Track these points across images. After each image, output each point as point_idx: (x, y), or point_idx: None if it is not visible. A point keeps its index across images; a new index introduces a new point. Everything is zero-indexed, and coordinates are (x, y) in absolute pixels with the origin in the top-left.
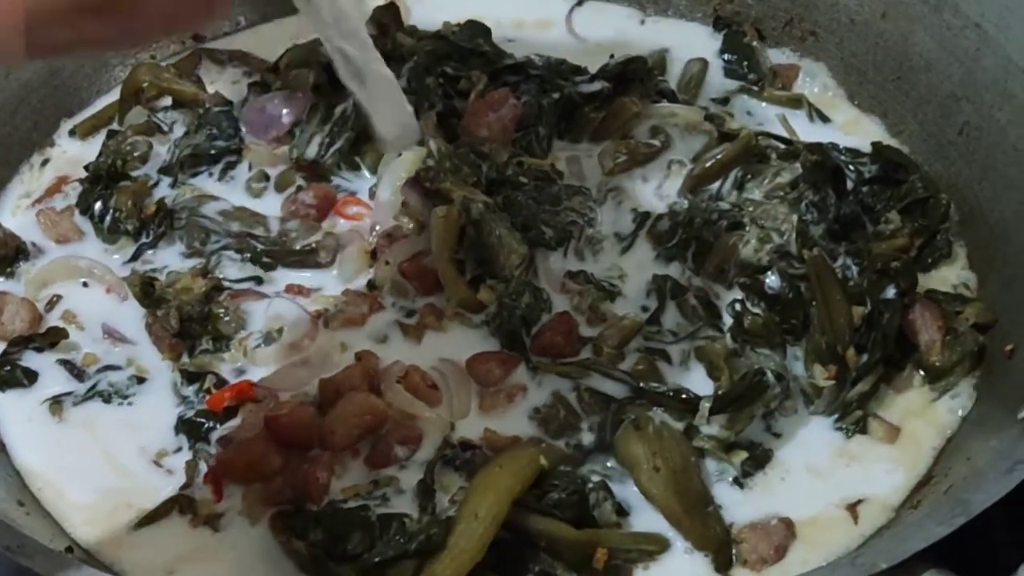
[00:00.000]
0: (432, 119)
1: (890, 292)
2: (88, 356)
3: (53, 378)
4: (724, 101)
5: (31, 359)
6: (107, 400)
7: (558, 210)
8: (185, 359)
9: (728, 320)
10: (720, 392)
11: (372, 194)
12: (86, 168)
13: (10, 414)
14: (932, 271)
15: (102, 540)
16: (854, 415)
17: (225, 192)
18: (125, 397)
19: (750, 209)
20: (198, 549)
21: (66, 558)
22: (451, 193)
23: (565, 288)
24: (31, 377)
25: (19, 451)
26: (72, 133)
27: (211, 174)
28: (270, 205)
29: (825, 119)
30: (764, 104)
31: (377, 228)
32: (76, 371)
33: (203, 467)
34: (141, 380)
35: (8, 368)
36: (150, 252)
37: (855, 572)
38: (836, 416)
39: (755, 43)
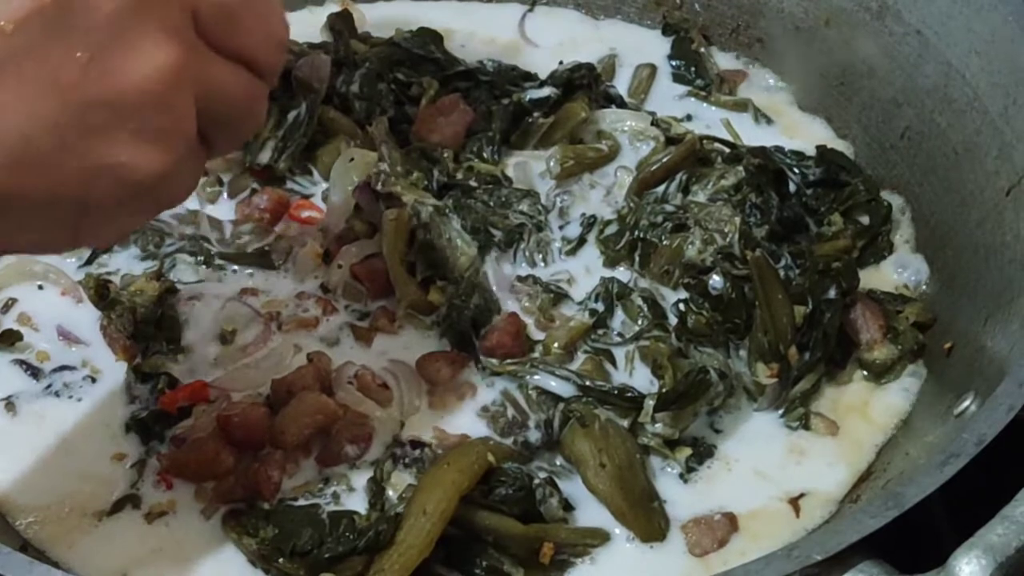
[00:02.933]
0: (384, 124)
1: (832, 292)
2: (41, 353)
3: (7, 377)
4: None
5: None
6: (60, 398)
7: (507, 213)
8: (139, 360)
9: (673, 320)
10: (664, 390)
11: (325, 198)
12: None
13: None
14: (874, 272)
15: (53, 539)
16: (797, 412)
17: None
18: (79, 398)
19: (695, 211)
20: (150, 548)
21: (17, 556)
22: (402, 196)
23: (514, 290)
24: None
25: None
26: None
27: None
28: (224, 210)
29: (771, 123)
30: (712, 108)
31: (329, 231)
32: (32, 370)
33: (155, 466)
34: (95, 380)
35: None
36: (105, 256)
37: (790, 564)
38: (779, 413)
39: (702, 49)
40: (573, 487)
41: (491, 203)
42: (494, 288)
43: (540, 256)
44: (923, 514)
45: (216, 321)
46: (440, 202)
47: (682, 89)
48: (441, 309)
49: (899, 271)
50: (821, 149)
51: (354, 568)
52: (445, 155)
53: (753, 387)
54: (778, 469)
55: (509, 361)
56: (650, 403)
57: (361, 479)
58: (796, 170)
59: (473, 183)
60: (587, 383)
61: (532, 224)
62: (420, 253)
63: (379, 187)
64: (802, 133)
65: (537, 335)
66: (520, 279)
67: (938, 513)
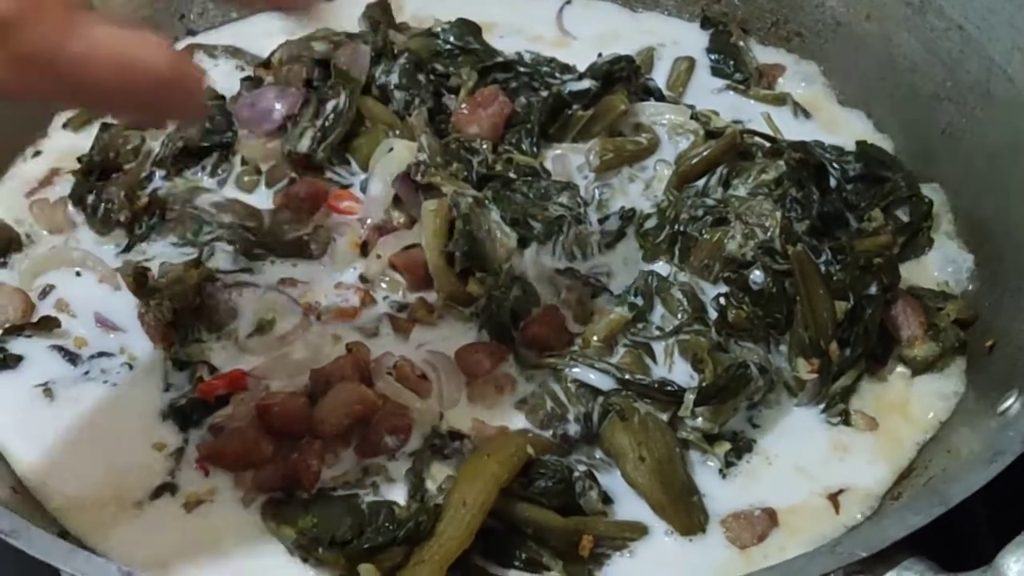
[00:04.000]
0: (423, 115)
1: (872, 288)
2: (79, 339)
3: (46, 363)
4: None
5: (24, 346)
6: (98, 384)
7: (547, 205)
8: (177, 348)
9: (713, 314)
10: (704, 384)
11: (364, 188)
12: (79, 160)
13: (0, 400)
14: (915, 268)
15: (90, 528)
16: (837, 408)
17: (217, 186)
18: (116, 384)
19: (735, 205)
20: (189, 539)
21: (61, 543)
22: (442, 187)
23: (553, 283)
24: (20, 363)
25: (7, 437)
26: (65, 126)
27: (204, 168)
28: (262, 199)
29: (809, 117)
30: (751, 102)
31: (368, 222)
32: (70, 356)
33: (193, 455)
34: (132, 367)
35: (0, 355)
36: (143, 244)
37: (835, 560)
38: (819, 409)
39: (741, 43)
40: (612, 480)
41: (530, 195)
42: (534, 281)
43: (579, 249)
44: (963, 512)
45: (255, 310)
46: (480, 193)
47: (720, 83)
48: (480, 301)
49: (940, 268)
50: (861, 144)
51: (393, 559)
52: (484, 147)
53: (793, 382)
54: (818, 465)
55: (548, 354)
56: (690, 397)
57: (400, 470)
58: (836, 165)
59: (512, 175)
60: (627, 376)
61: (571, 216)
62: (459, 245)
63: (419, 178)
64: (841, 128)
65: (575, 328)
66: (559, 272)
67: (977, 512)
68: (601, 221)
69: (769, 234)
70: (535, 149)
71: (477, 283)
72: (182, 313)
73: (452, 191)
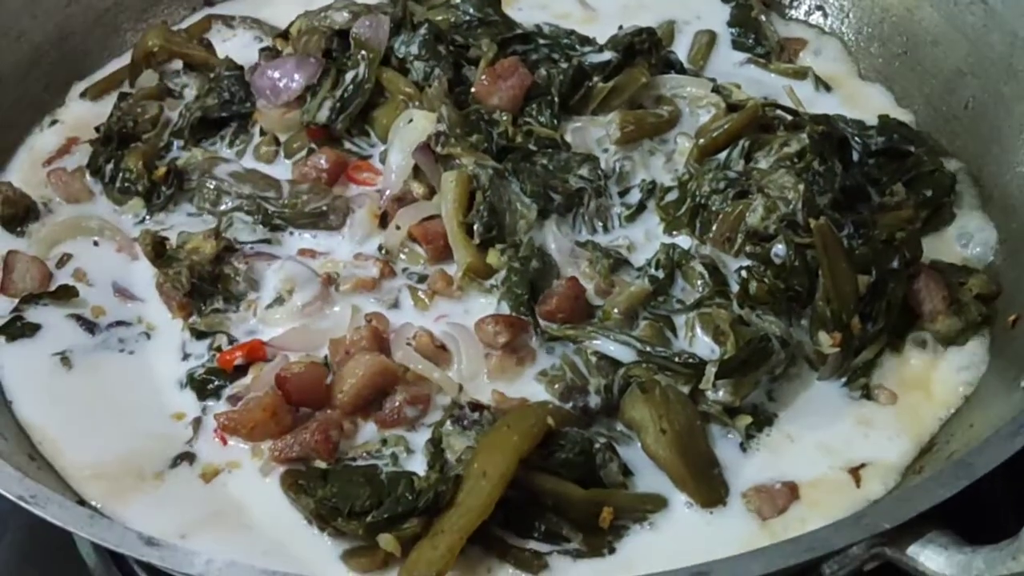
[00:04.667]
0: (443, 86)
1: (895, 262)
2: (96, 308)
3: (64, 332)
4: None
5: (41, 314)
6: (115, 352)
7: (567, 177)
8: (195, 318)
9: (734, 287)
10: (725, 357)
11: (383, 160)
12: (97, 130)
13: (17, 368)
14: (937, 243)
15: (109, 497)
16: (859, 382)
17: (236, 156)
18: (134, 352)
19: (757, 178)
20: (208, 510)
21: (80, 510)
22: (461, 158)
23: (574, 255)
24: (37, 331)
25: (24, 405)
26: (83, 95)
27: (222, 138)
28: (280, 170)
29: (830, 91)
30: (772, 75)
31: (387, 193)
32: (87, 325)
33: (212, 424)
34: (150, 336)
35: (17, 323)
36: (162, 214)
37: (860, 531)
38: (841, 383)
39: (763, 17)
40: (632, 452)
41: (551, 167)
42: (554, 253)
43: (600, 222)
44: (985, 486)
45: (273, 280)
46: (500, 165)
47: (741, 56)
48: (500, 273)
49: (963, 242)
50: (883, 119)
51: (413, 529)
52: (504, 118)
53: (815, 356)
54: (839, 439)
55: (568, 326)
56: (712, 370)
57: (420, 441)
58: (858, 139)
59: (532, 147)
60: (647, 349)
61: (592, 189)
62: (479, 215)
63: (438, 149)
64: (862, 102)
65: (596, 301)
66: (580, 244)
67: (999, 486)
68: (622, 194)
69: (791, 207)
70: (555, 121)
71: (497, 254)
72: (200, 283)
73: (472, 162)
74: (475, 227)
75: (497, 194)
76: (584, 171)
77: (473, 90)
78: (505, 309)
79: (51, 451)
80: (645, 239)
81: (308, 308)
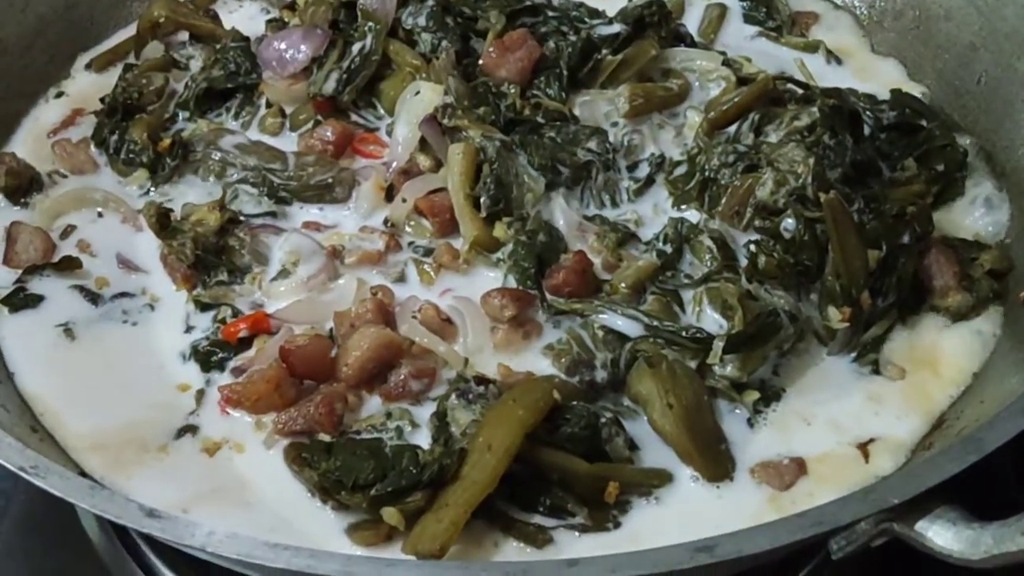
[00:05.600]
0: (451, 57)
1: (906, 237)
2: (100, 279)
3: (67, 303)
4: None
5: (45, 285)
6: (118, 323)
7: (575, 150)
8: (199, 290)
9: (743, 262)
10: (733, 332)
11: (389, 132)
12: (102, 101)
13: (20, 340)
14: (948, 218)
15: (111, 469)
16: (868, 358)
17: (241, 128)
18: (137, 324)
19: (767, 152)
20: (211, 485)
21: (80, 481)
22: (469, 130)
23: (582, 229)
24: (41, 302)
25: (26, 376)
26: (88, 66)
27: (228, 110)
28: (286, 143)
29: (841, 64)
30: (783, 49)
31: (394, 165)
32: (91, 296)
33: (215, 396)
34: (154, 308)
35: (20, 294)
36: (167, 185)
37: (867, 506)
38: (850, 359)
39: None
40: (638, 427)
41: (559, 140)
42: (562, 227)
43: (608, 196)
44: (993, 462)
45: (278, 253)
46: (507, 137)
47: (752, 29)
48: (506, 246)
49: (974, 218)
50: (895, 92)
51: (417, 503)
52: (512, 91)
53: (824, 331)
54: (847, 415)
55: (575, 300)
56: (719, 344)
57: (424, 414)
58: (869, 113)
59: (540, 119)
60: (655, 323)
61: (600, 162)
62: (487, 188)
63: (445, 121)
64: (874, 76)
65: (603, 276)
66: (587, 218)
67: (1008, 461)
68: (631, 168)
69: (801, 181)
70: (563, 94)
71: (504, 227)
72: (205, 255)
73: (479, 134)
74: (482, 200)
75: (504, 167)
76: (592, 144)
77: (481, 62)
78: (511, 283)
79: (53, 423)
80: (653, 213)
81: (313, 281)
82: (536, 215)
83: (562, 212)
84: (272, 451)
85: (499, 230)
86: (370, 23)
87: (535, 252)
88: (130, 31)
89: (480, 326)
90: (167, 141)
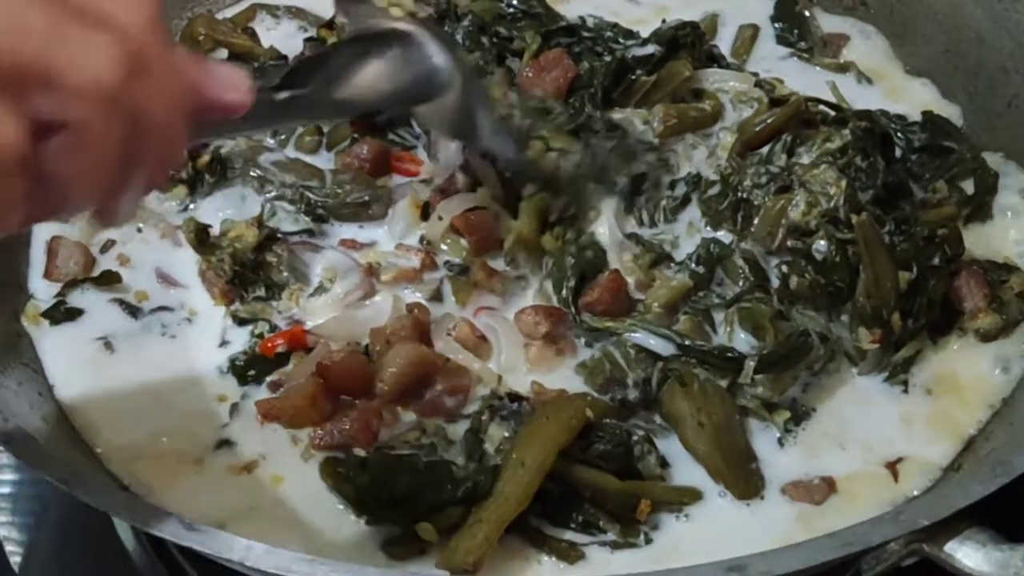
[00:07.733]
0: (505, 74)
1: (936, 259)
2: (139, 293)
3: (107, 316)
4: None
5: (85, 299)
6: (157, 336)
7: (631, 165)
8: (237, 305)
9: (775, 282)
10: (765, 352)
11: (428, 151)
12: None
13: (60, 352)
14: (979, 240)
15: (148, 482)
16: (898, 378)
17: (278, 146)
18: (176, 337)
19: (799, 173)
20: (246, 496)
21: (118, 493)
22: (551, 141)
23: (623, 247)
24: (81, 316)
25: (65, 388)
26: None
27: None
28: (321, 161)
29: (872, 85)
30: (815, 70)
31: (433, 183)
32: (130, 309)
33: (252, 410)
34: (192, 322)
35: (60, 308)
36: (205, 200)
37: (897, 527)
38: (880, 379)
39: (806, 11)
40: (669, 445)
41: (618, 152)
42: (607, 243)
43: (647, 215)
44: (1021, 484)
45: (315, 269)
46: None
47: (784, 51)
48: (546, 259)
49: (1005, 240)
50: (927, 115)
51: (451, 518)
52: (558, 108)
53: (854, 352)
54: (876, 435)
55: (607, 318)
56: (751, 364)
57: (458, 431)
58: (901, 135)
59: (597, 127)
60: (687, 342)
61: (652, 178)
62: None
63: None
64: (905, 97)
65: (636, 295)
66: (627, 237)
67: None
68: (670, 187)
69: (833, 203)
70: (598, 114)
71: (552, 239)
72: (243, 270)
73: (560, 146)
74: (553, 203)
75: (580, 184)
76: (650, 159)
77: (517, 82)
78: (549, 290)
79: (92, 434)
80: (687, 233)
81: (349, 297)
82: (590, 232)
83: (609, 229)
84: (308, 464)
85: (547, 239)
86: None
87: (580, 268)
88: None
89: (514, 343)
90: (206, 158)
